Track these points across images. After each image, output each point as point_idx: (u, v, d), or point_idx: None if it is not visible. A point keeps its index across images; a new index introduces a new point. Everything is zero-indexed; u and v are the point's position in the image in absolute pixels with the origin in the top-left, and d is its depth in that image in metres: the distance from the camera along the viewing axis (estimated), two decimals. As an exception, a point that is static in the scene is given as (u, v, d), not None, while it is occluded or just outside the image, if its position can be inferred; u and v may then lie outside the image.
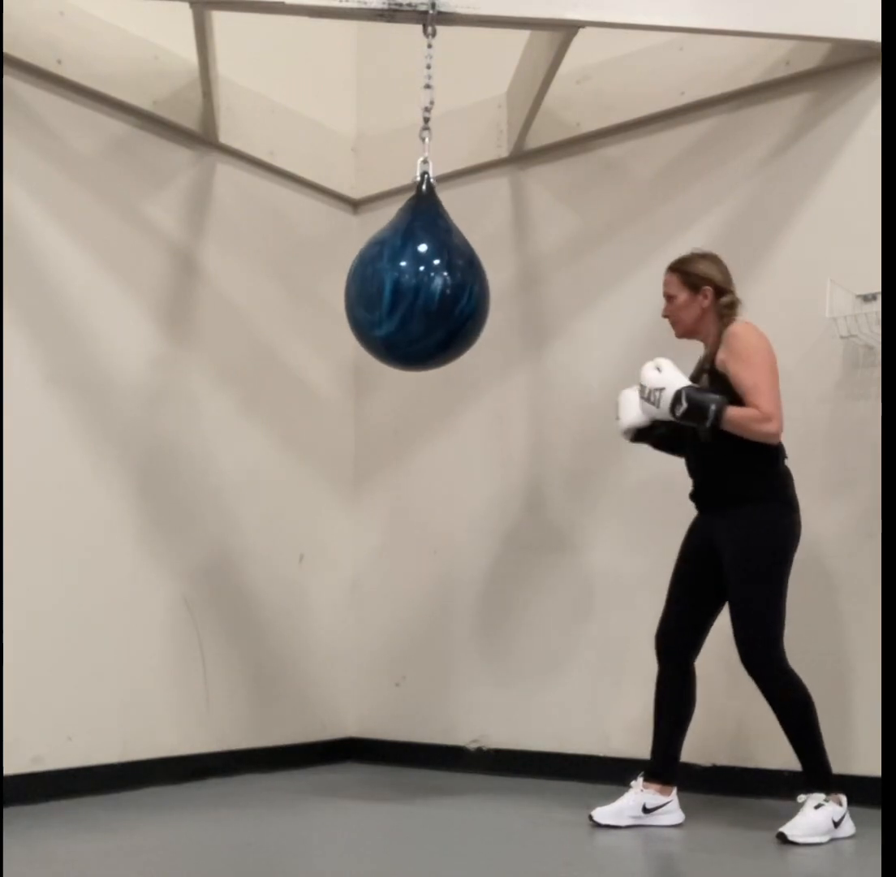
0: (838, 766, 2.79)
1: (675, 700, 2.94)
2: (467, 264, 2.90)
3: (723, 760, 3.40)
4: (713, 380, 2.86)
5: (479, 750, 3.94)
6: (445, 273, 2.84)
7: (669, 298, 2.98)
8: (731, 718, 3.36)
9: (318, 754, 4.10)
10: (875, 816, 2.78)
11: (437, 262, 2.85)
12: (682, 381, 2.80)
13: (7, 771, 3.08)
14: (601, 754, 3.62)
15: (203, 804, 3.27)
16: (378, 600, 4.27)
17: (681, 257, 3.00)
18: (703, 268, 2.95)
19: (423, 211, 2.96)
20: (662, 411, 2.80)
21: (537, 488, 3.94)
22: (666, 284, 3.00)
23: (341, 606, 4.29)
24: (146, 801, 3.29)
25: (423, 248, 2.87)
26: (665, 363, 2.85)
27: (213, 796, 3.39)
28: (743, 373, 2.78)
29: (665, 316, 3.01)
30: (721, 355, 2.83)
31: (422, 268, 2.84)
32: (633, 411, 2.97)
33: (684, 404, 2.75)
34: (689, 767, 3.38)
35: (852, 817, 2.73)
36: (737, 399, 2.78)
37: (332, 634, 4.24)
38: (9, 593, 3.15)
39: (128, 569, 3.55)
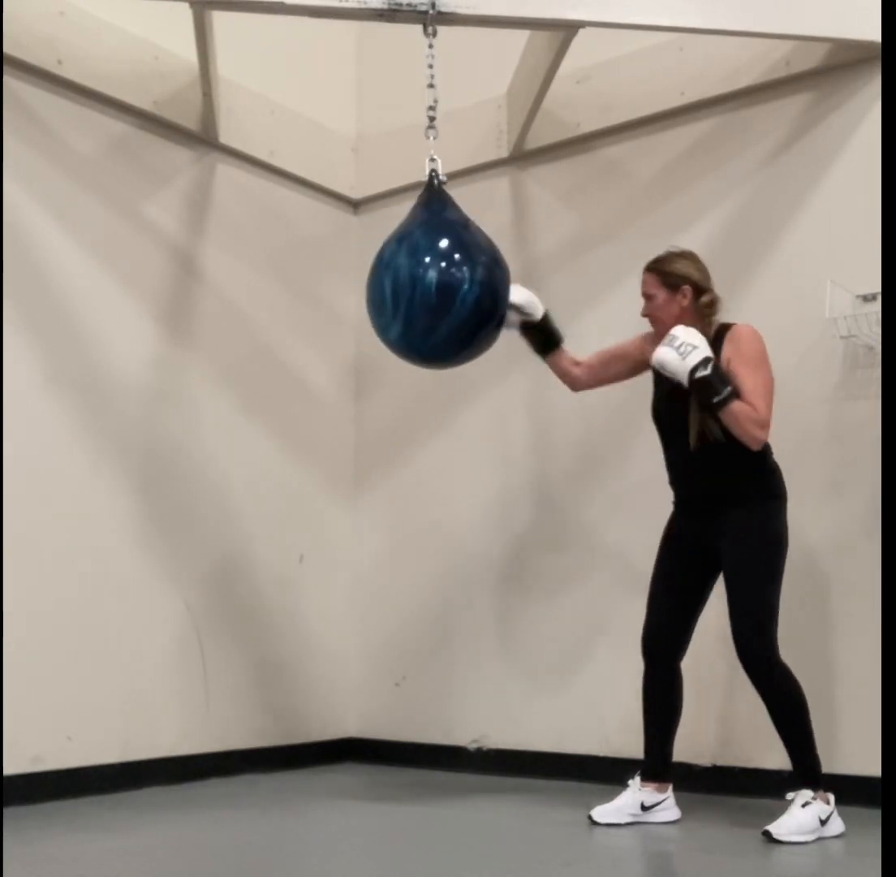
0: (827, 765, 2.80)
1: (665, 700, 2.98)
2: (468, 254, 2.85)
3: (723, 760, 3.40)
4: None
5: (479, 750, 3.93)
6: (442, 264, 2.80)
7: (648, 297, 3.00)
8: (731, 718, 3.36)
9: (318, 754, 4.10)
10: (862, 814, 2.82)
11: (429, 256, 2.80)
12: (712, 353, 2.79)
13: (7, 771, 3.08)
14: (601, 754, 3.62)
15: (203, 804, 3.27)
16: (378, 600, 4.27)
17: (658, 257, 3.01)
18: (681, 267, 2.96)
19: (428, 207, 2.94)
20: (683, 365, 2.77)
21: (537, 488, 3.94)
22: (644, 283, 3.01)
23: (341, 606, 4.29)
24: (146, 801, 3.29)
25: (418, 243, 2.84)
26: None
27: (213, 796, 3.39)
28: (749, 376, 2.80)
29: (645, 315, 3.03)
30: (727, 352, 2.84)
31: (415, 263, 2.80)
32: (522, 294, 3.06)
33: (707, 371, 2.74)
34: (689, 767, 3.38)
35: (841, 815, 2.74)
36: None
37: (332, 634, 4.23)
38: (9, 594, 3.15)
39: (128, 569, 3.54)
